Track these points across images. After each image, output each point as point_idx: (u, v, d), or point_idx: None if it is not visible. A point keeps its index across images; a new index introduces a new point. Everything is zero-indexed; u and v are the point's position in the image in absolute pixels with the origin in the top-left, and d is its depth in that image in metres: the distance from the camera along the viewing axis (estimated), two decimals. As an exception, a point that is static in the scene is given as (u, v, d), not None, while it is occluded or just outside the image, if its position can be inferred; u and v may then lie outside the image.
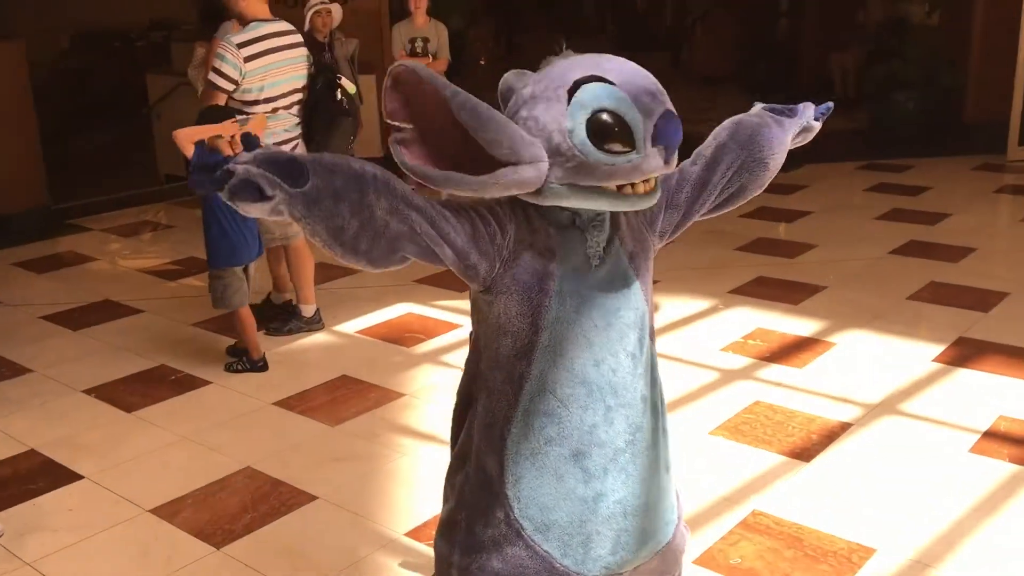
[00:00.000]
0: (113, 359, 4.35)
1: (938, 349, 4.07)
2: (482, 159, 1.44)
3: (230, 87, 4.12)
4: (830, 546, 2.73)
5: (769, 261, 5.38)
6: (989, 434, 3.33)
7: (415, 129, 1.47)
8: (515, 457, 1.57)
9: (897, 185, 7.13)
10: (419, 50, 6.47)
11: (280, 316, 4.68)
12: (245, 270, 4.13)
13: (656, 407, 1.67)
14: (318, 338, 4.54)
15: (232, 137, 3.83)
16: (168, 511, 3.05)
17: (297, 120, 4.41)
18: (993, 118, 7.79)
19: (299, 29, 6.17)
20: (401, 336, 4.50)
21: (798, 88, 11.10)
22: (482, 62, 12.82)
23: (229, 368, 4.16)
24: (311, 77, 4.52)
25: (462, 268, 1.56)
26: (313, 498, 3.10)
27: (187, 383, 4.06)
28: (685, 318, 4.56)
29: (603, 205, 1.50)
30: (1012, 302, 4.59)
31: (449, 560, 1.66)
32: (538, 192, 1.48)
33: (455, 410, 1.74)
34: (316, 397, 3.87)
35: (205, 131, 3.82)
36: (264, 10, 4.28)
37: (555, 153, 1.45)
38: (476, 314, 1.65)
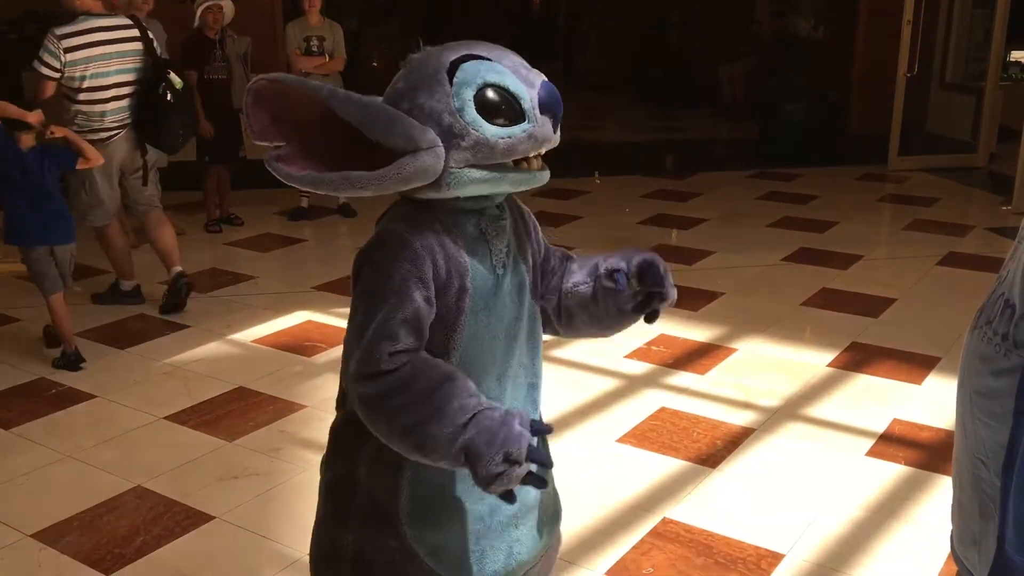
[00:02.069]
0: (-14, 372, 4.07)
1: (832, 354, 4.19)
2: (372, 156, 1.39)
3: (55, 75, 4.41)
4: (739, 552, 2.75)
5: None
6: (885, 437, 3.43)
7: (290, 143, 1.40)
8: (411, 482, 1.52)
9: (787, 193, 7.36)
10: (315, 48, 6.33)
11: (171, 293, 4.83)
12: (53, 254, 4.09)
13: (538, 407, 1.66)
14: (212, 348, 4.35)
15: (40, 129, 3.98)
16: (52, 535, 2.85)
17: (127, 111, 4.61)
18: (875, 130, 8.14)
19: (189, 25, 6.03)
20: (301, 345, 4.36)
21: (689, 97, 11.39)
22: (375, 64, 12.67)
23: (55, 364, 4.11)
24: (145, 71, 4.66)
25: None
26: (210, 518, 2.94)
27: (69, 397, 3.82)
28: (589, 325, 4.57)
29: (508, 184, 1.46)
30: (899, 308, 4.78)
31: None
32: (439, 182, 1.41)
33: (341, 429, 1.63)
34: (211, 410, 3.69)
35: (10, 111, 3.96)
36: (96, 5, 4.53)
37: (449, 135, 1.39)
38: None
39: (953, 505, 1.46)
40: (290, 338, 4.45)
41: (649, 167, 8.40)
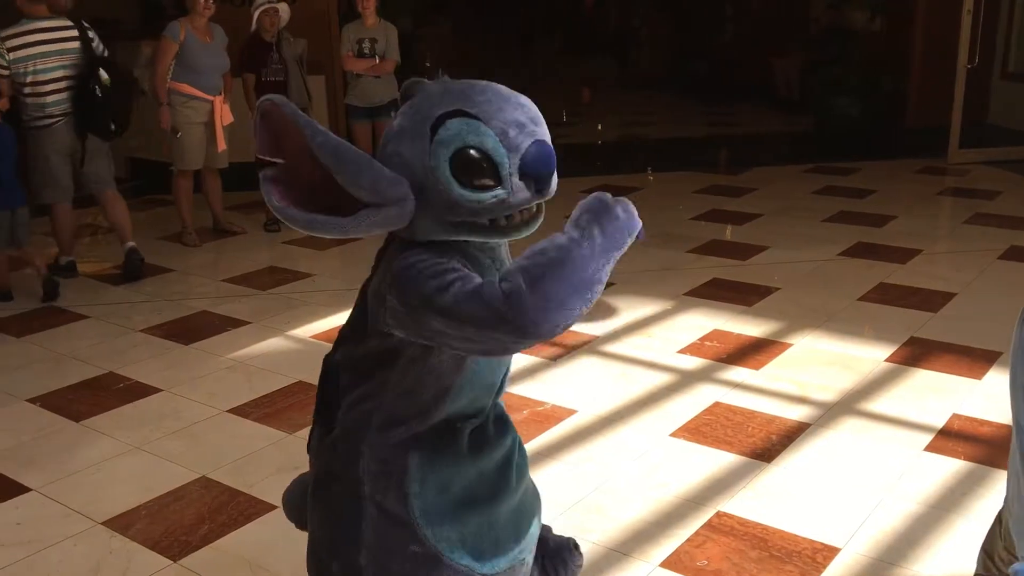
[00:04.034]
0: (58, 367, 4.22)
1: (890, 349, 4.14)
2: (349, 199, 1.43)
3: (5, 72, 5.02)
4: (794, 546, 2.75)
5: (722, 263, 5.43)
6: (944, 432, 3.39)
7: (285, 166, 1.45)
8: (421, 485, 1.58)
9: (843, 188, 7.26)
10: (367, 51, 6.42)
11: (125, 266, 5.45)
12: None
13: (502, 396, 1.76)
14: (272, 344, 4.45)
15: None
16: (121, 523, 2.96)
17: (68, 102, 5.14)
18: (934, 122, 7.98)
19: (246, 28, 6.17)
20: (357, 340, 4.43)
21: (743, 91, 11.27)
22: (428, 64, 12.78)
23: None
24: (81, 67, 5.15)
25: None
26: (272, 507, 3.02)
27: (136, 391, 3.95)
28: (641, 320, 4.58)
29: (478, 238, 1.50)
30: (959, 302, 4.70)
31: None
32: (411, 229, 1.48)
33: (333, 448, 1.65)
34: (272, 404, 3.79)
35: None
36: (40, 10, 5.11)
37: (421, 190, 1.44)
38: (392, 359, 1.57)
39: (1008, 500, 1.45)
40: (347, 334, 4.52)
41: (702, 163, 8.36)
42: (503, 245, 1.61)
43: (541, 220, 1.53)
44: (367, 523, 1.59)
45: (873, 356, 4.08)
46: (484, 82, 1.51)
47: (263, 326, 4.67)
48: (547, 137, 1.49)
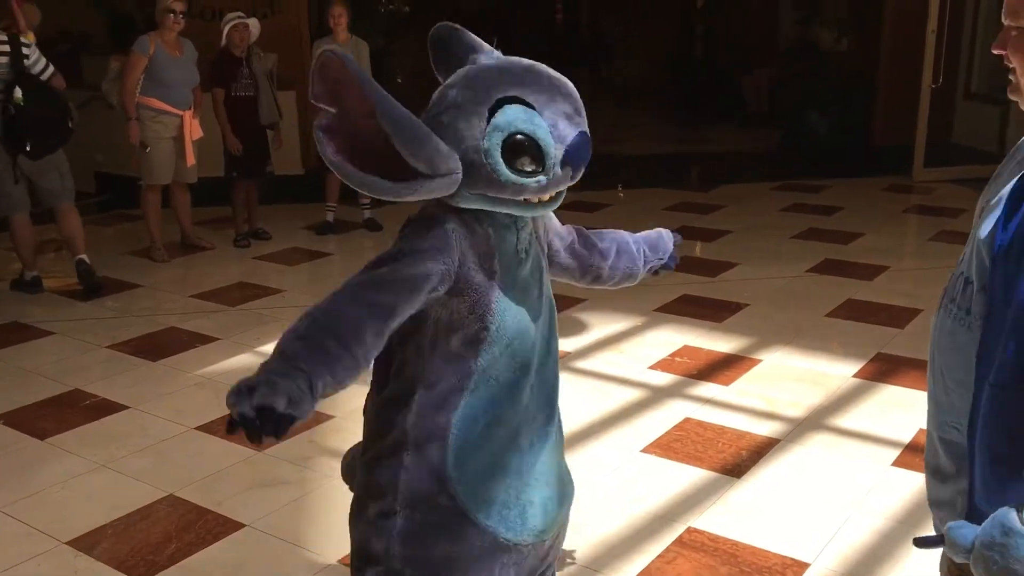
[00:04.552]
0: (23, 384, 4.15)
1: (858, 365, 4.18)
2: (401, 163, 1.52)
3: None
4: (764, 561, 2.76)
5: (692, 280, 5.46)
6: (911, 447, 3.43)
7: (338, 115, 1.51)
8: (460, 442, 1.64)
9: (811, 205, 7.35)
10: (339, 66, 6.41)
11: (81, 279, 5.41)
12: None
13: (557, 381, 1.82)
14: (242, 360, 4.41)
15: None
16: (86, 543, 2.91)
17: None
18: (900, 141, 8.11)
19: (216, 43, 6.14)
20: (327, 357, 4.40)
21: (714, 109, 11.39)
22: (399, 80, 12.79)
23: None
24: (7, 83, 5.04)
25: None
26: (241, 526, 2.99)
27: (103, 408, 3.89)
28: (612, 336, 4.59)
29: (510, 210, 1.63)
30: (925, 318, 4.76)
31: (389, 554, 1.67)
32: (451, 196, 1.59)
33: (384, 404, 1.73)
34: (241, 421, 3.74)
35: None
36: None
37: (469, 166, 1.55)
38: (420, 321, 1.66)
39: (927, 475, 1.62)
40: (318, 350, 4.50)
41: (673, 179, 8.42)
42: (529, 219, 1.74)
43: (559, 203, 1.66)
44: (405, 472, 1.66)
45: (841, 372, 4.12)
46: (536, 65, 1.63)
47: (232, 342, 4.63)
48: (587, 127, 1.62)
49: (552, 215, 1.85)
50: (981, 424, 1.43)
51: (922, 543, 1.51)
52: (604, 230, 2.06)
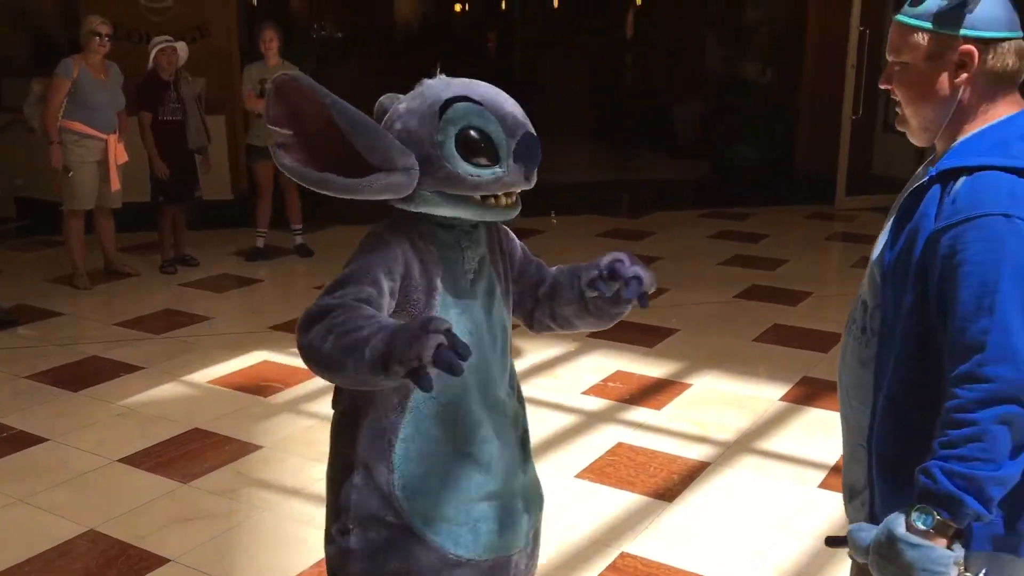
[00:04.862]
0: (-67, 416, 3.99)
1: (784, 388, 4.27)
2: (357, 165, 1.56)
3: None
4: (696, 585, 2.79)
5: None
6: (836, 469, 3.50)
7: (296, 135, 1.57)
8: (404, 462, 1.65)
9: (738, 232, 7.51)
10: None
11: None
12: None
13: (520, 399, 1.83)
14: (166, 390, 4.31)
15: None
16: (1, 582, 2.80)
17: None
18: (822, 171, 8.35)
19: (144, 66, 6.04)
20: (257, 385, 4.33)
21: (643, 138, 11.59)
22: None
23: None
24: None
25: None
26: (165, 561, 2.91)
27: (21, 440, 3.76)
28: (547, 362, 4.61)
29: (470, 214, 1.64)
30: (848, 343, 4.89)
31: (347, 571, 1.70)
32: (409, 198, 1.61)
33: (338, 424, 1.75)
34: (165, 452, 3.66)
35: None
36: None
37: (426, 162, 1.59)
38: None
39: (843, 494, 1.71)
40: (246, 379, 4.43)
41: (604, 207, 8.53)
42: (483, 235, 1.73)
43: (518, 211, 1.68)
44: (356, 491, 1.67)
45: (768, 396, 4.20)
46: (479, 81, 1.69)
47: (157, 371, 4.52)
48: (534, 132, 1.66)
49: (525, 254, 1.87)
50: (876, 435, 1.52)
51: (831, 542, 1.60)
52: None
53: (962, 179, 1.44)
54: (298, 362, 4.70)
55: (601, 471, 3.50)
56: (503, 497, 1.74)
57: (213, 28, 7.74)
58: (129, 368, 4.55)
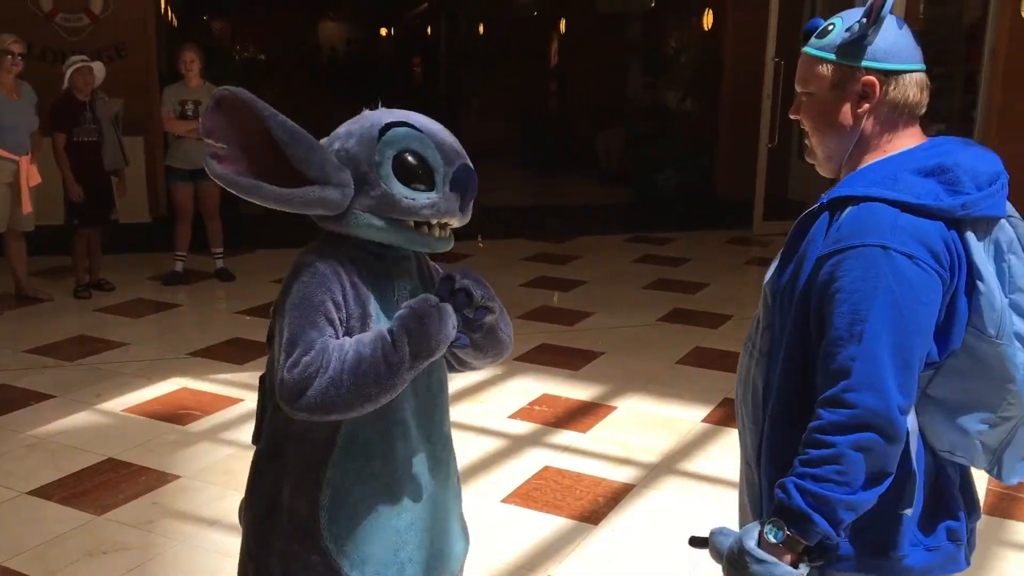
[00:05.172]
0: None
1: (706, 410, 4.34)
2: (292, 179, 1.55)
3: None
4: (622, 607, 2.80)
5: (550, 329, 5.56)
6: (757, 488, 3.57)
7: (230, 147, 1.56)
8: (331, 498, 1.61)
9: (660, 256, 7.64)
10: (190, 113, 6.24)
11: None
12: None
13: (449, 436, 1.79)
14: (79, 419, 4.16)
15: None
16: (-103, 625, 2.65)
17: None
18: (740, 196, 8.56)
19: (58, 86, 5.88)
20: (175, 413, 4.22)
21: (569, 163, 11.73)
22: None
23: None
24: None
25: None
26: (77, 597, 2.80)
27: (-79, 474, 3.59)
28: (473, 386, 4.60)
29: (402, 240, 1.63)
30: (767, 364, 5.00)
31: None
32: (342, 218, 1.59)
33: (260, 461, 1.72)
34: (78, 484, 3.53)
35: None
36: None
37: (362, 182, 1.58)
38: None
39: (739, 510, 1.74)
40: (163, 406, 4.31)
41: (530, 231, 8.59)
42: (413, 265, 1.72)
43: (451, 245, 1.68)
44: (280, 528, 1.63)
45: (691, 417, 4.27)
46: (417, 112, 1.69)
47: (70, 400, 4.36)
48: (471, 165, 1.66)
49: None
50: (764, 455, 1.55)
51: (693, 542, 1.61)
52: None
53: (849, 208, 1.47)
54: (217, 389, 4.63)
55: (527, 495, 3.50)
56: (433, 533, 1.71)
57: (132, 48, 7.60)
58: (40, 397, 4.39)
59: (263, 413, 1.71)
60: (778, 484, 1.42)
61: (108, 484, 3.52)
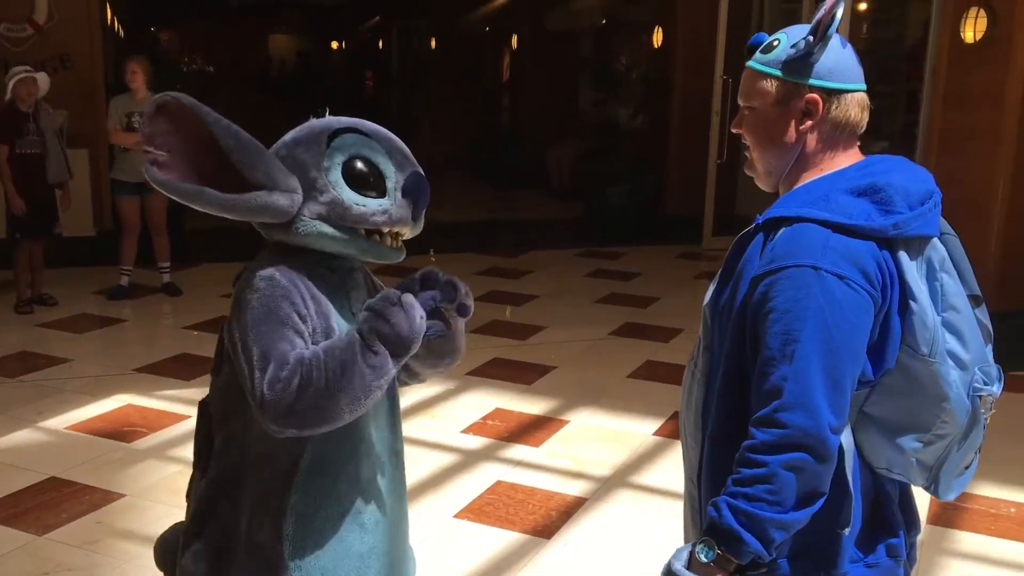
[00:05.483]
0: None
1: (658, 423, 4.37)
2: (237, 185, 1.50)
3: None
4: (575, 621, 2.80)
5: (503, 343, 5.56)
6: (707, 501, 3.60)
7: (172, 154, 1.50)
8: (295, 525, 1.56)
9: (612, 271, 7.69)
10: (136, 125, 6.14)
11: None
12: None
13: (402, 458, 1.76)
14: (21, 436, 4.06)
15: None
16: None
17: None
18: (690, 211, 8.66)
19: (0, 97, 5.76)
20: (120, 431, 4.14)
21: (521, 178, 11.76)
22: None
23: None
24: None
25: None
26: (17, 620, 2.72)
27: None
28: (426, 401, 4.58)
29: (353, 249, 1.58)
30: (717, 377, 5.06)
31: None
32: (290, 226, 1.53)
33: (213, 487, 1.64)
34: (19, 503, 3.43)
35: None
36: None
37: (310, 188, 1.53)
38: (238, 389, 1.57)
39: (684, 526, 1.76)
40: (108, 423, 4.22)
41: (483, 245, 8.59)
42: (361, 279, 1.68)
43: (403, 256, 1.63)
44: (237, 563, 1.58)
45: (642, 430, 4.29)
46: (367, 120, 1.65)
47: (10, 417, 4.25)
48: (422, 172, 1.62)
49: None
50: (704, 474, 1.56)
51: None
52: None
53: (783, 229, 1.47)
54: (163, 405, 4.55)
55: (480, 510, 3.49)
56: (391, 556, 1.68)
57: (77, 59, 7.46)
58: (-22, 415, 4.27)
59: (208, 442, 1.64)
60: (710, 503, 1.42)
61: (50, 503, 3.43)
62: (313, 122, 1.62)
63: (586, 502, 3.58)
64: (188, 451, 4.02)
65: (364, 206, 1.54)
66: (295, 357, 1.46)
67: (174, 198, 1.51)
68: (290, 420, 1.44)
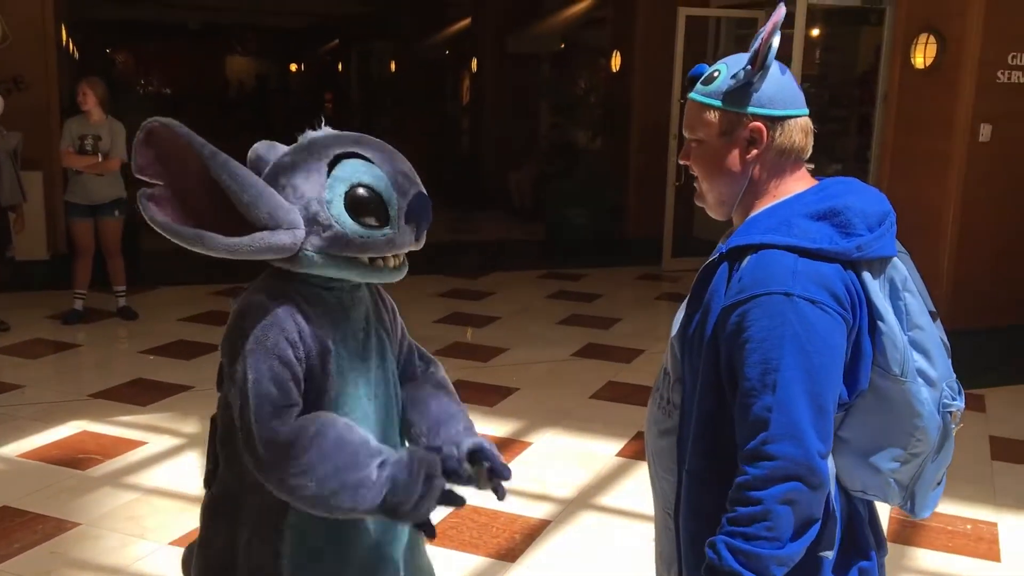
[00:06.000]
0: None
1: (621, 444, 4.38)
2: (233, 221, 1.46)
3: None
4: (540, 645, 2.78)
5: (465, 365, 5.54)
6: (671, 521, 3.61)
7: (167, 187, 1.46)
8: (294, 544, 1.55)
9: (573, 292, 7.72)
10: (89, 147, 6.06)
11: None
12: None
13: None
14: (-30, 465, 3.95)
15: None
16: None
17: None
18: (650, 234, 8.74)
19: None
20: (74, 458, 4.04)
21: (482, 200, 11.79)
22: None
23: None
24: None
25: None
26: (-35, 656, 2.64)
27: None
28: (386, 425, 4.55)
29: (355, 276, 1.56)
30: (678, 398, 5.08)
31: None
32: (293, 259, 1.51)
33: (214, 506, 1.64)
34: (-32, 534, 3.34)
35: None
36: None
37: (312, 222, 1.50)
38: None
39: (656, 556, 1.71)
40: (62, 451, 4.12)
41: (444, 267, 8.58)
42: (366, 292, 1.66)
43: (405, 272, 1.63)
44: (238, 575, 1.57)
45: (606, 451, 4.30)
46: (368, 135, 1.62)
47: (-40, 446, 4.14)
48: (425, 191, 1.60)
49: (404, 334, 1.81)
50: (683, 508, 1.54)
51: None
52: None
53: (748, 257, 1.47)
54: (119, 432, 4.46)
55: (444, 534, 3.46)
56: (396, 569, 1.67)
57: (32, 81, 7.35)
58: (-74, 443, 4.16)
59: (215, 458, 1.63)
60: (708, 543, 1.41)
61: (2, 534, 3.34)
62: (311, 143, 1.57)
63: (550, 524, 3.57)
64: (143, 478, 3.98)
65: (367, 237, 1.52)
66: (296, 413, 1.48)
67: (174, 241, 1.46)
68: (272, 478, 1.47)
